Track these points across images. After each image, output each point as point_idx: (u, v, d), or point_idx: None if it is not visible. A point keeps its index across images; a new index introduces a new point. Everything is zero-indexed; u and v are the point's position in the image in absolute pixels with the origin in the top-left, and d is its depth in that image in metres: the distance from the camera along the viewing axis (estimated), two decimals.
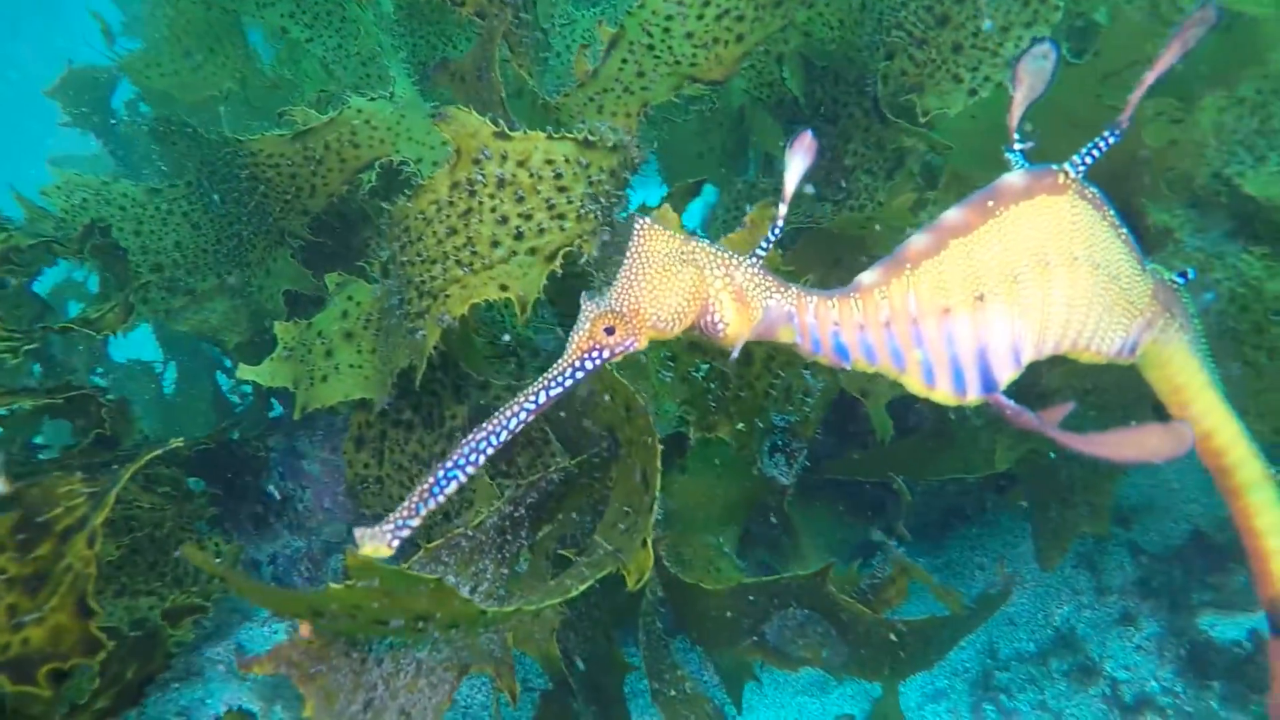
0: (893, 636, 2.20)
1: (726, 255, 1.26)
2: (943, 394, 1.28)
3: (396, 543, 1.08)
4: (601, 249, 2.00)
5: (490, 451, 1.14)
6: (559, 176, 1.92)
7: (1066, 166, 1.28)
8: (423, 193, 1.92)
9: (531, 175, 1.89)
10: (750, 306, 1.24)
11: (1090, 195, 1.30)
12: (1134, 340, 1.40)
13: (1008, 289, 1.24)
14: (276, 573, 3.01)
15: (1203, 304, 1.71)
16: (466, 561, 2.16)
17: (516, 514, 2.20)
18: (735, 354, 1.25)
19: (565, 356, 1.20)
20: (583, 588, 1.68)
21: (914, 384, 1.29)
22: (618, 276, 1.23)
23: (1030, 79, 1.37)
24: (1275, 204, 2.20)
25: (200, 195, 3.19)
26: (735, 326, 1.25)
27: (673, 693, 2.44)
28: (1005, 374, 1.27)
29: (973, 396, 1.28)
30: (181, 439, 2.23)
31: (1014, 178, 1.26)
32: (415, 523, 1.08)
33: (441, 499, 1.10)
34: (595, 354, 1.19)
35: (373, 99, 2.92)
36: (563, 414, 2.23)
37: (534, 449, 2.19)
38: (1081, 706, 3.11)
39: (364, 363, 2.23)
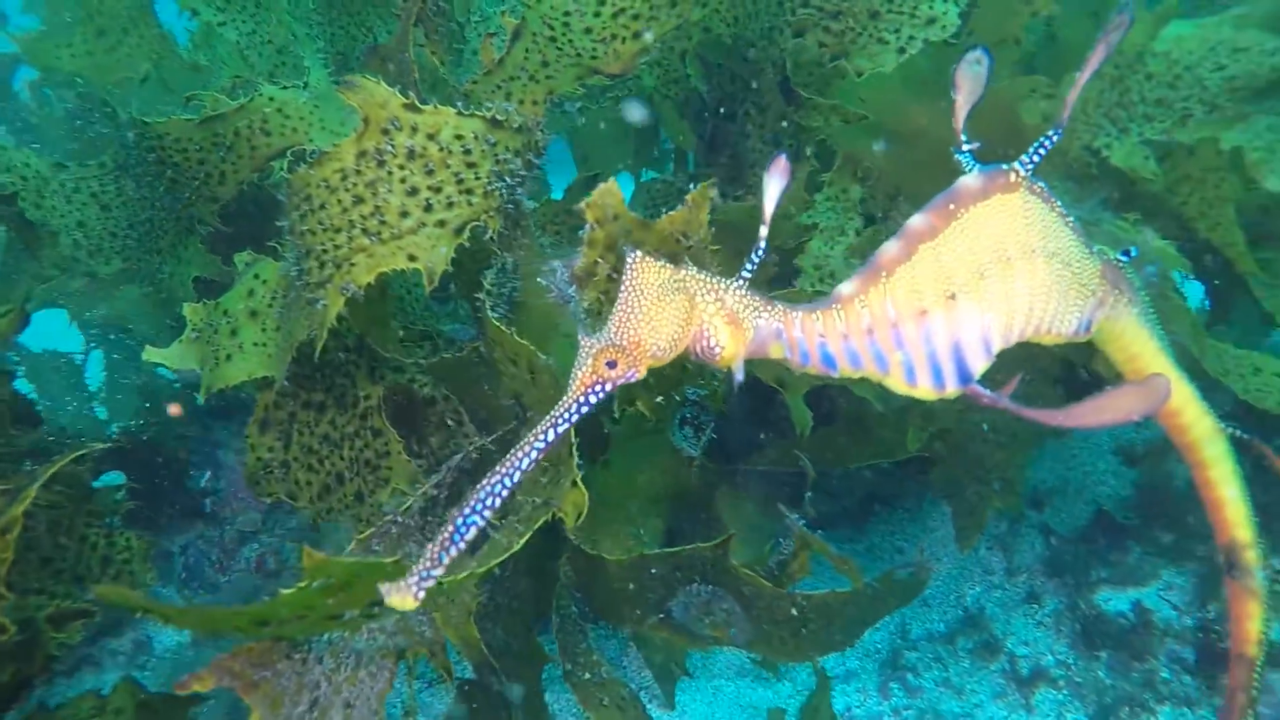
0: (794, 611, 2.25)
1: (715, 280, 1.30)
2: (924, 390, 1.33)
3: (422, 594, 1.07)
4: (507, 228, 2.03)
5: (505, 495, 1.14)
6: (468, 152, 1.94)
7: (1016, 166, 1.35)
8: (327, 160, 1.89)
9: (441, 149, 1.90)
10: (742, 327, 1.29)
11: (1039, 190, 1.38)
12: (1088, 319, 1.47)
13: (976, 286, 1.31)
14: (188, 563, 2.99)
15: (1146, 276, 1.81)
16: (395, 546, 2.19)
17: (438, 496, 2.23)
18: (739, 376, 1.30)
19: (570, 392, 1.21)
20: (520, 543, 1.70)
21: (897, 384, 1.34)
22: (614, 310, 1.25)
23: (968, 84, 1.45)
24: (1138, 173, 2.30)
25: (114, 178, 3.13)
26: (730, 348, 1.29)
27: (587, 676, 2.47)
28: (979, 365, 1.33)
29: (951, 389, 1.33)
30: (99, 442, 2.23)
31: (970, 180, 1.32)
32: (438, 572, 1.07)
33: (463, 545, 1.10)
34: (599, 387, 1.21)
35: (286, 87, 2.90)
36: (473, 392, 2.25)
37: (446, 430, 2.21)
38: (982, 682, 3.22)
39: (269, 340, 2.20)
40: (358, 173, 1.91)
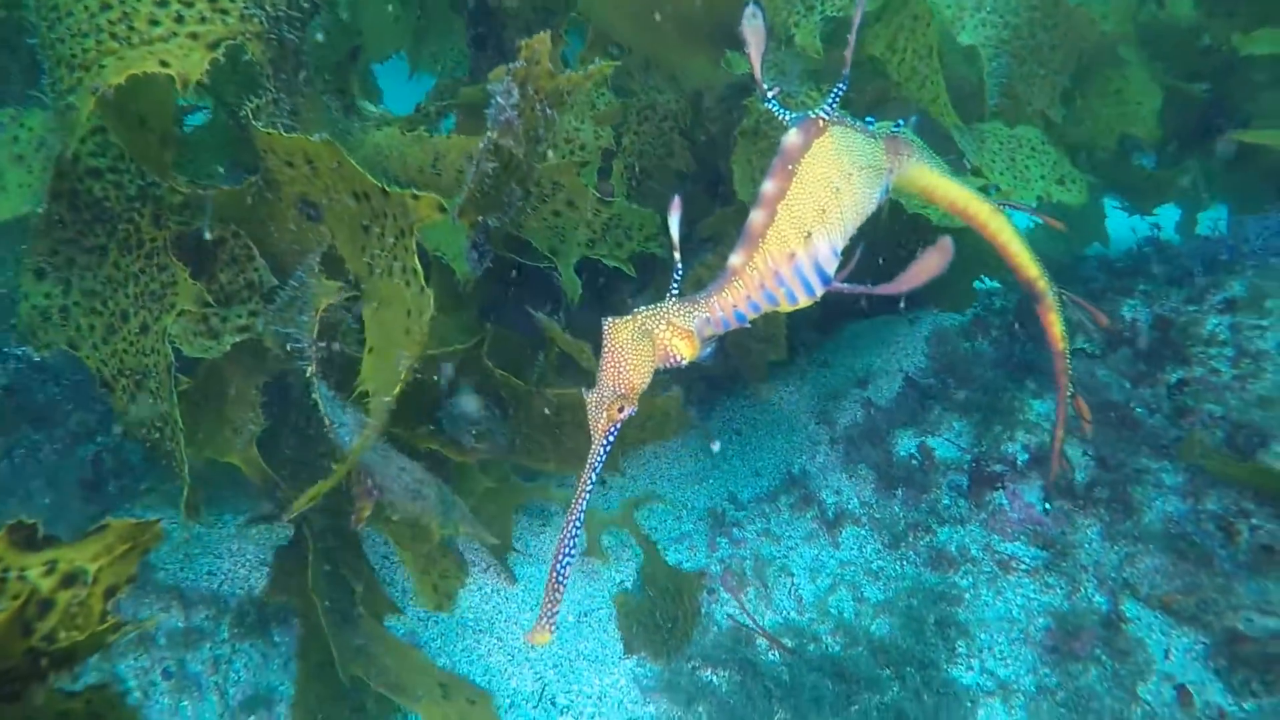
0: (546, 410, 2.50)
1: (662, 308, 1.66)
2: (804, 302, 1.72)
3: (553, 627, 1.47)
4: (276, 59, 2.16)
5: (579, 535, 1.55)
6: None
7: (820, 113, 1.70)
8: None
9: None
10: (690, 334, 1.65)
11: (836, 119, 1.72)
12: (885, 188, 1.92)
13: (821, 219, 1.68)
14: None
15: (913, 126, 2.21)
16: None
17: None
18: (706, 352, 1.69)
19: (595, 442, 1.57)
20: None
21: (784, 308, 1.71)
22: (603, 368, 1.59)
23: (754, 36, 1.80)
24: (811, 50, 2.67)
25: None
26: (686, 352, 1.65)
27: (396, 517, 2.69)
28: (832, 268, 1.73)
29: (819, 292, 1.72)
30: None
31: (793, 138, 1.65)
32: (557, 609, 1.47)
33: (565, 583, 1.50)
34: (613, 430, 1.58)
35: None
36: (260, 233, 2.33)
37: (235, 266, 2.35)
38: (796, 528, 3.58)
39: (34, 181, 2.28)
40: None
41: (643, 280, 3.65)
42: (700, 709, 3.02)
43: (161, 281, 2.30)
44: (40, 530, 1.54)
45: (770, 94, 1.78)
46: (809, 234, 1.68)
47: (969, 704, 2.81)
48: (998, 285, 4.60)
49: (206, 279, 2.34)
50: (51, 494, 3.21)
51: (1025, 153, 3.38)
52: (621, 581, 3.62)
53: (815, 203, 1.68)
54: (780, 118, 1.75)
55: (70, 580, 1.61)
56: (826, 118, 1.72)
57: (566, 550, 1.50)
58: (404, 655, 2.81)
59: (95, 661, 2.75)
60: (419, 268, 2.03)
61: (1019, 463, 3.27)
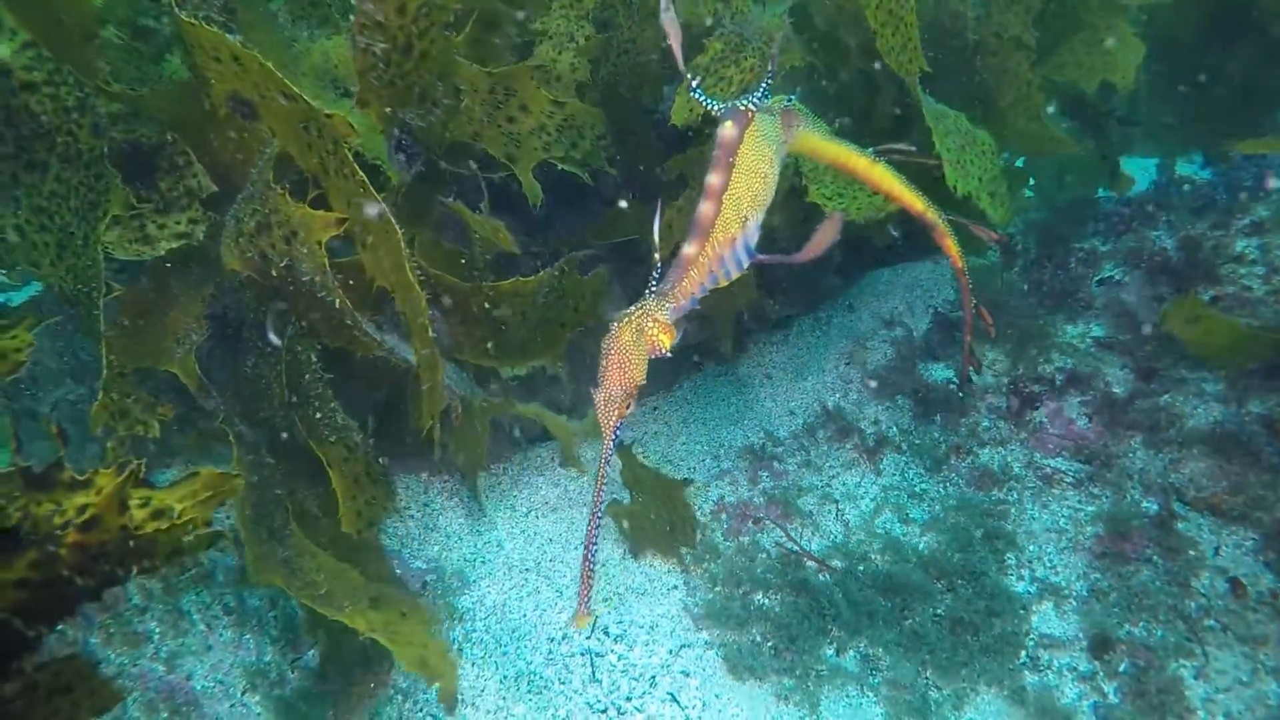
0: (486, 304, 2.51)
1: (646, 306, 1.79)
2: (737, 276, 1.89)
3: (590, 611, 1.65)
4: None
5: (600, 520, 1.72)
6: None
7: (749, 104, 1.85)
8: None
9: None
10: (669, 325, 1.80)
11: (756, 105, 1.86)
12: (783, 155, 2.06)
13: (753, 203, 1.86)
14: None
15: (795, 95, 2.31)
16: None
17: None
18: (679, 338, 1.83)
19: (606, 438, 1.73)
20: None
21: (724, 284, 1.89)
22: (609, 369, 1.72)
23: (672, 29, 1.94)
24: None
25: None
26: (668, 343, 1.81)
27: (318, 415, 2.60)
28: (755, 241, 1.91)
29: (747, 265, 1.90)
30: None
31: (729, 132, 1.79)
32: (590, 593, 1.65)
33: (594, 569, 1.67)
34: (620, 425, 1.74)
35: None
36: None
37: (175, 173, 2.33)
38: (836, 457, 3.62)
39: None
40: None
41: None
42: (754, 631, 3.05)
43: (97, 191, 2.25)
44: (142, 471, 1.63)
45: (695, 83, 1.93)
46: (745, 219, 1.86)
47: (1021, 610, 2.85)
48: (1018, 226, 4.64)
49: (147, 189, 2.30)
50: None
51: (975, 151, 3.37)
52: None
53: (750, 190, 1.87)
54: (708, 108, 1.90)
55: (158, 515, 1.73)
56: (753, 108, 1.86)
57: (592, 544, 1.66)
58: (337, 572, 2.69)
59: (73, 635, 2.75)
60: (361, 175, 2.01)
61: (1057, 382, 3.32)
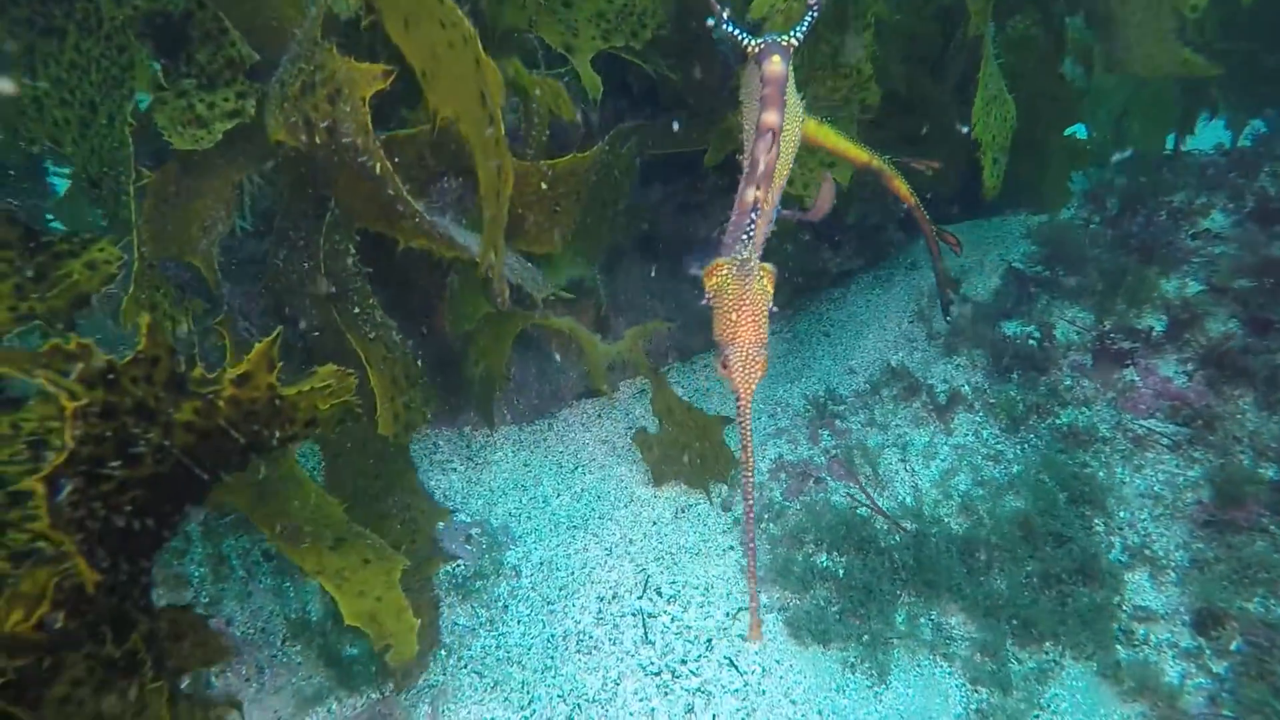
0: (544, 185, 2.31)
1: (746, 255, 1.68)
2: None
3: (759, 627, 1.72)
4: None
5: (753, 513, 1.69)
6: None
7: (791, 38, 1.78)
8: None
9: None
10: (768, 270, 1.71)
11: (799, 39, 1.81)
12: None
13: (794, 146, 1.88)
14: None
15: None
16: None
17: None
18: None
19: (745, 405, 1.66)
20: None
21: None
22: (739, 322, 1.64)
23: None
24: None
25: None
26: (771, 287, 1.72)
27: (356, 310, 2.45)
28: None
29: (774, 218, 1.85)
30: None
31: (777, 67, 1.70)
32: (757, 604, 1.70)
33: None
34: (747, 398, 1.67)
35: None
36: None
37: (212, 43, 2.12)
38: (903, 416, 3.40)
39: None
40: None
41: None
42: (818, 594, 2.86)
43: (121, 65, 2.07)
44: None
45: (726, 15, 1.81)
46: (788, 164, 1.83)
47: (1112, 579, 2.63)
48: (1086, 183, 4.34)
49: (185, 61, 2.11)
50: None
51: (999, 111, 3.11)
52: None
53: (793, 132, 1.83)
54: (744, 42, 1.77)
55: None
56: (795, 40, 1.76)
57: (753, 540, 1.64)
58: (321, 505, 2.29)
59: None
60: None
61: (1152, 336, 3.06)
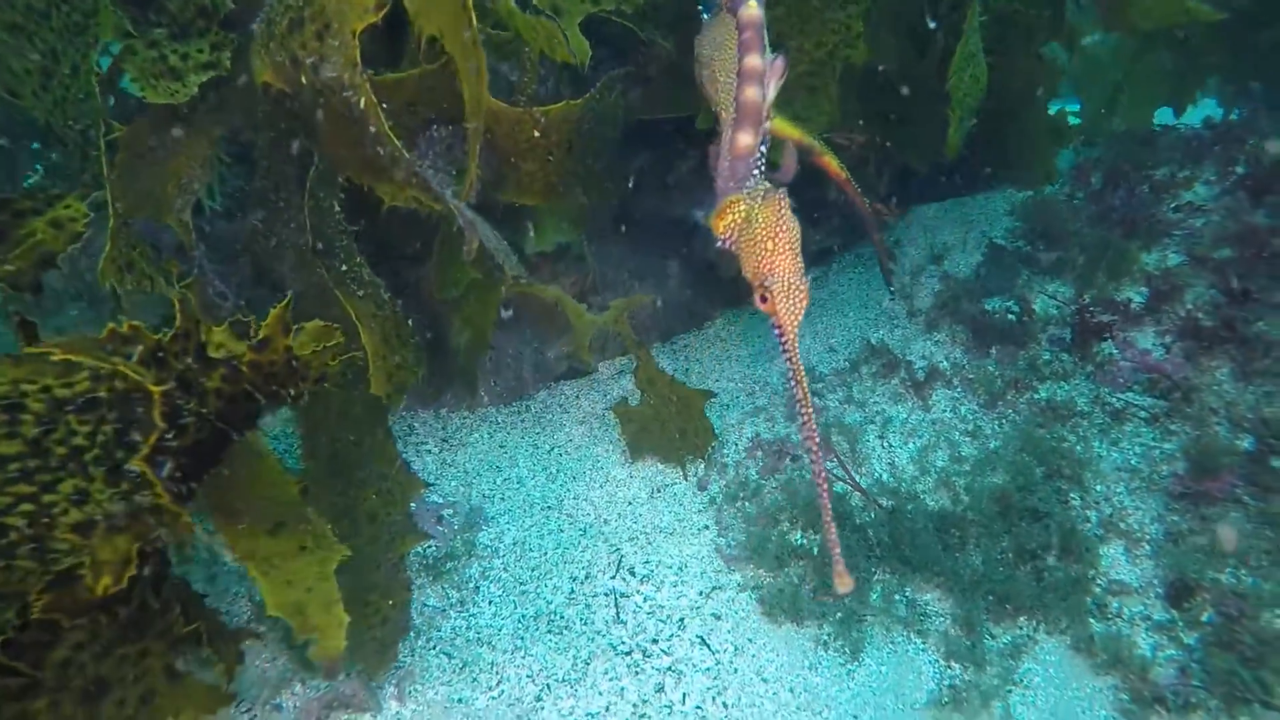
0: (536, 133, 2.23)
1: (767, 188, 1.67)
2: None
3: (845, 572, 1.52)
4: None
5: (819, 449, 1.56)
6: None
7: None
8: None
9: None
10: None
11: None
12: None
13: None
14: None
15: None
16: None
17: None
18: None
19: (792, 340, 1.60)
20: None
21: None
22: (776, 249, 1.56)
23: None
24: None
25: None
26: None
27: (344, 268, 2.38)
28: None
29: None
30: None
31: (753, 10, 1.66)
32: (837, 549, 1.51)
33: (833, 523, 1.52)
34: (793, 331, 1.60)
35: None
36: None
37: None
38: (882, 393, 3.36)
39: None
40: None
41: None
42: (792, 572, 2.83)
43: (83, 10, 1.95)
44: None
45: None
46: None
47: (1088, 553, 2.60)
48: (1073, 158, 4.29)
49: (155, 10, 2.01)
50: None
51: (973, 72, 3.11)
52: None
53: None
54: None
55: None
56: None
57: (825, 485, 1.52)
58: (278, 484, 2.10)
59: None
60: None
61: (1131, 308, 3.02)
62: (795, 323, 1.56)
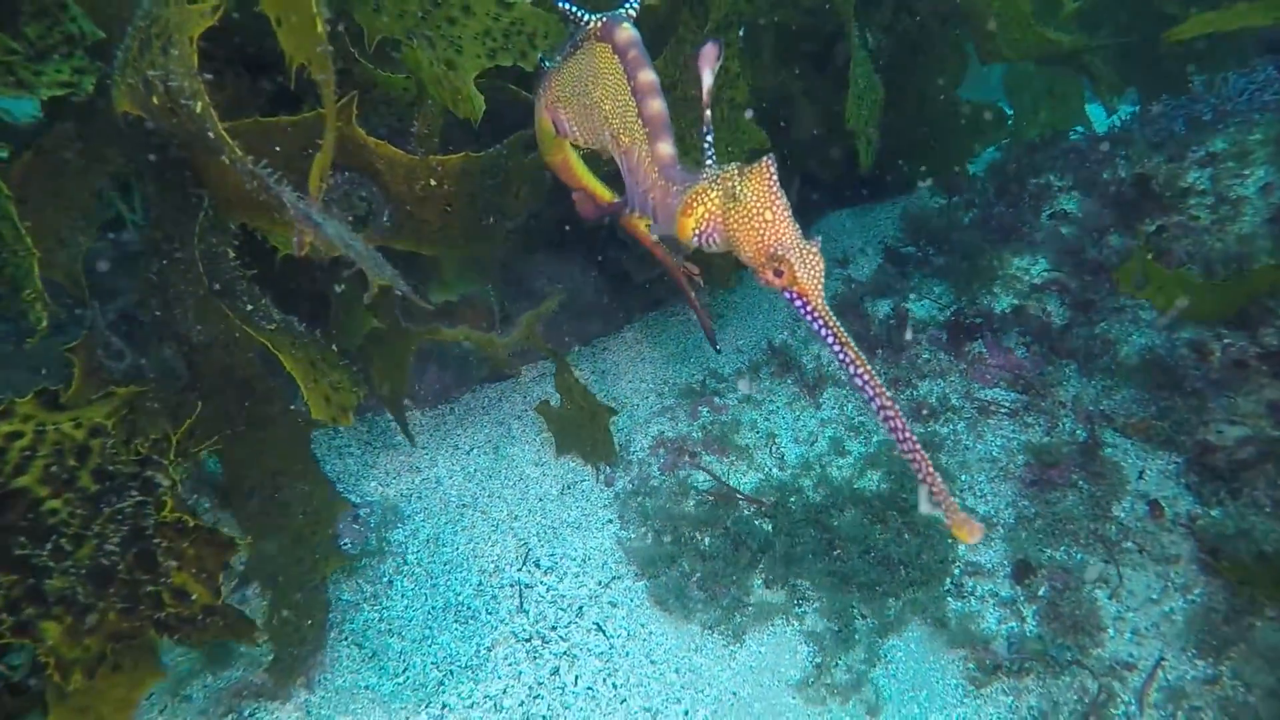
0: (432, 181, 2.21)
1: (722, 169, 1.54)
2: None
3: (958, 515, 1.29)
4: None
5: (888, 398, 1.41)
6: None
7: (629, 8, 1.81)
8: None
9: None
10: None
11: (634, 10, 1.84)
12: None
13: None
14: None
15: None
16: None
17: None
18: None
19: (819, 311, 1.44)
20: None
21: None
22: (784, 219, 1.43)
23: None
24: None
25: None
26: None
27: (249, 307, 2.39)
28: None
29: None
30: None
31: (627, 32, 1.72)
32: (941, 487, 1.33)
33: (923, 457, 1.34)
34: (820, 298, 1.45)
35: None
36: None
37: (48, 17, 1.89)
38: (777, 394, 3.58)
39: None
40: None
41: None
42: (684, 564, 3.04)
43: None
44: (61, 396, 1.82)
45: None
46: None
47: (949, 540, 2.83)
48: (979, 167, 4.55)
49: (12, 36, 1.91)
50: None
51: (870, 97, 3.27)
52: None
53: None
54: (582, 17, 1.80)
55: (95, 433, 1.91)
56: (632, 13, 1.80)
57: (890, 415, 1.38)
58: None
59: None
60: None
61: (996, 312, 3.26)
62: (820, 287, 1.42)
